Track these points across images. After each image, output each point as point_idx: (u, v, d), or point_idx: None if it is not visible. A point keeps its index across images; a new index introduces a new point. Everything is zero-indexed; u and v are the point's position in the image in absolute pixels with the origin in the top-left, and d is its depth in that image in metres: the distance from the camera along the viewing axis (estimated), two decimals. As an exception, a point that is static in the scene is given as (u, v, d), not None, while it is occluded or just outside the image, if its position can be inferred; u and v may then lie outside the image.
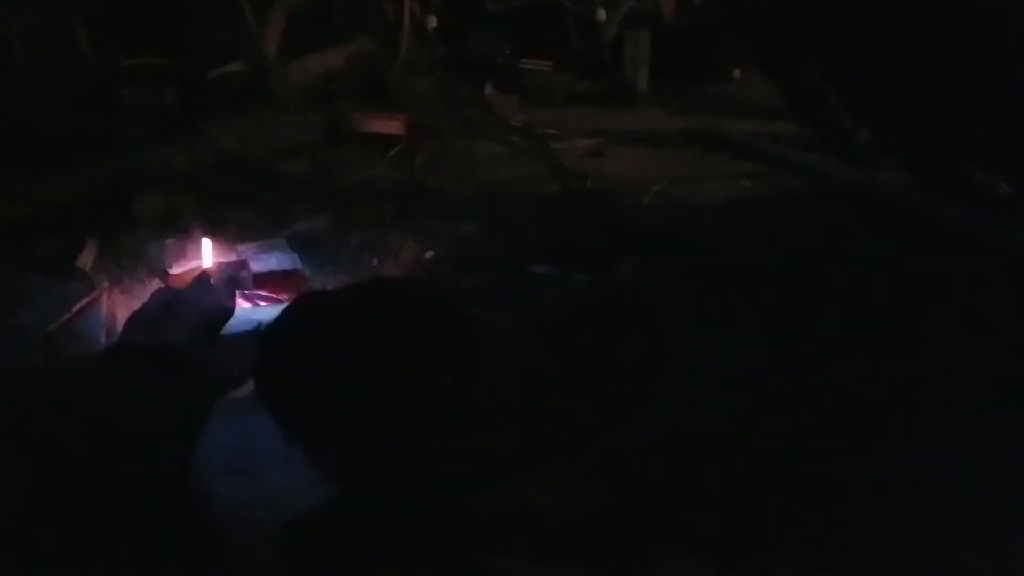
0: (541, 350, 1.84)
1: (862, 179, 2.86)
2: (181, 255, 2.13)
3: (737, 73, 3.79)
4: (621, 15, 3.74)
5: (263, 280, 2.14)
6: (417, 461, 1.29)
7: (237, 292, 1.94)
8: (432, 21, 3.47)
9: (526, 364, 1.71)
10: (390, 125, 3.08)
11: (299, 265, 2.26)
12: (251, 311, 2.02)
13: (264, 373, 1.36)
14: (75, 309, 1.93)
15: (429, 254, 2.46)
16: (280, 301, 2.12)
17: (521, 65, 3.56)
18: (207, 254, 2.11)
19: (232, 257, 2.16)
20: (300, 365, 1.31)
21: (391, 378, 1.28)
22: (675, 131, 3.33)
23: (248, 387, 1.59)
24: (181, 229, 2.28)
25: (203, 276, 1.90)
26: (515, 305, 2.17)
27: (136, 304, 1.95)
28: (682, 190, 2.84)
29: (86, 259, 2.14)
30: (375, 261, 2.40)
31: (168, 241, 2.22)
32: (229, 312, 1.81)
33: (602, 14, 3.63)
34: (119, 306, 1.99)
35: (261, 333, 1.47)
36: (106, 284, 2.05)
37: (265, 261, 2.22)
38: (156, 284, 2.04)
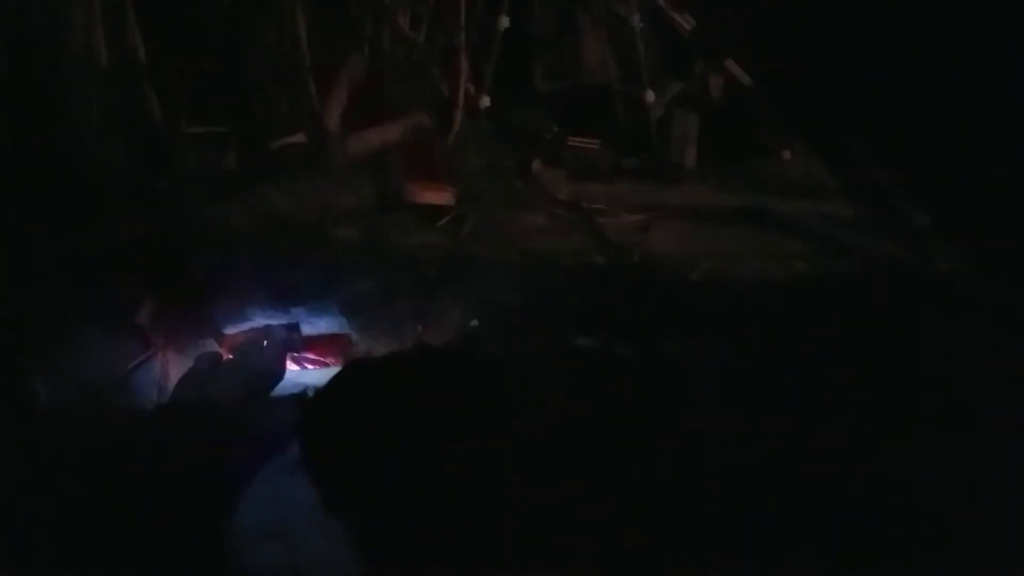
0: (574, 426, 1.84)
1: (920, 264, 2.81)
2: (235, 315, 2.18)
3: (787, 153, 3.81)
4: (670, 96, 3.82)
5: (311, 343, 2.18)
6: (446, 535, 1.29)
7: (288, 355, 1.97)
8: (485, 100, 3.60)
9: (558, 441, 1.71)
10: (440, 195, 3.17)
11: (346, 329, 2.29)
12: (298, 374, 2.05)
13: (309, 441, 1.38)
14: (130, 365, 1.98)
15: (474, 323, 2.47)
16: (327, 364, 2.15)
17: (569, 142, 3.65)
18: (260, 316, 2.16)
19: (283, 319, 2.20)
20: (344, 435, 1.32)
21: (430, 450, 1.29)
22: (723, 208, 3.35)
23: (291, 451, 1.60)
24: (236, 289, 2.34)
25: (256, 337, 1.95)
26: (556, 378, 2.17)
27: (189, 361, 2.00)
28: (731, 268, 2.83)
29: (144, 316, 2.20)
30: (420, 327, 2.42)
31: (223, 301, 2.28)
32: (280, 375, 1.84)
33: (651, 95, 3.72)
34: (172, 363, 2.03)
35: (308, 401, 1.49)
36: (161, 341, 2.10)
37: (314, 324, 2.26)
38: (210, 343, 2.08)
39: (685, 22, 3.85)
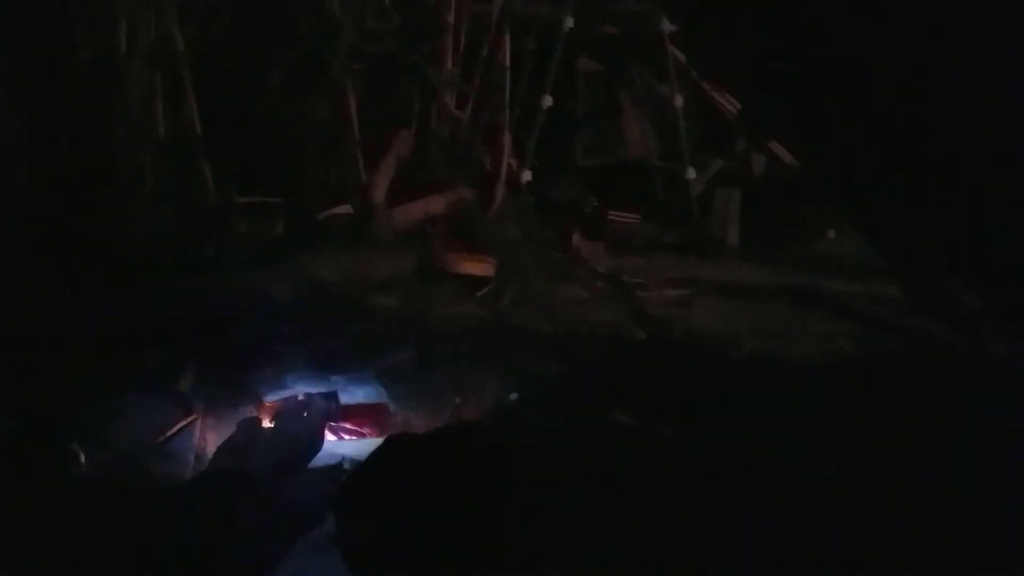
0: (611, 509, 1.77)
1: (972, 348, 2.71)
2: (275, 382, 2.19)
3: (831, 233, 3.77)
4: (711, 172, 3.85)
5: (349, 412, 2.16)
6: None
7: (327, 425, 1.95)
8: (526, 174, 3.67)
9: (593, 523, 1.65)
10: (480, 266, 3.19)
11: (384, 398, 2.27)
12: (335, 444, 2.03)
13: (344, 519, 1.34)
14: (170, 432, 1.98)
15: (514, 396, 2.44)
16: (364, 435, 2.13)
17: (608, 216, 3.67)
18: (299, 384, 2.16)
19: (322, 387, 2.20)
20: (380, 514, 1.29)
21: (465, 530, 1.25)
22: (766, 286, 3.30)
23: (327, 525, 1.56)
24: (276, 357, 2.36)
25: (296, 407, 1.94)
26: (594, 455, 2.11)
27: (227, 428, 1.99)
28: (775, 347, 2.76)
29: (186, 382, 2.21)
30: (457, 399, 2.39)
31: (265, 368, 2.29)
32: (319, 446, 1.82)
33: (692, 172, 3.75)
34: (211, 430, 2.03)
35: (346, 478, 1.46)
36: (201, 407, 2.10)
37: (352, 392, 2.25)
38: (250, 410, 2.08)
39: (727, 103, 3.90)
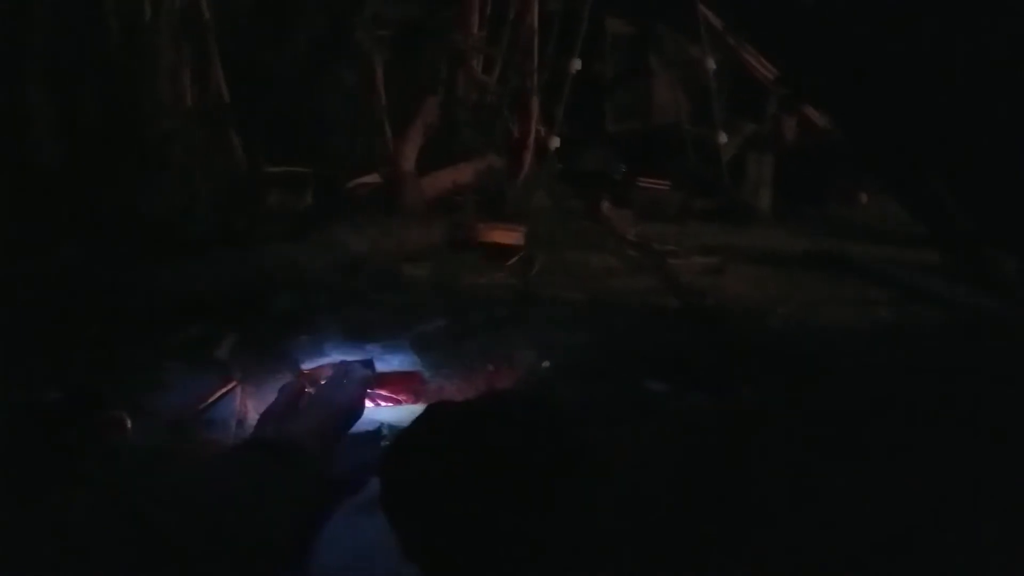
0: (655, 479, 1.77)
1: (1011, 314, 2.66)
2: (312, 351, 2.21)
3: (864, 197, 3.70)
4: (742, 137, 3.78)
5: (384, 380, 2.18)
6: None
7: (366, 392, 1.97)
8: (555, 141, 3.62)
9: (637, 493, 1.65)
10: (509, 235, 3.17)
11: (418, 366, 2.29)
12: (373, 410, 2.05)
13: (389, 484, 1.36)
14: (210, 399, 2.02)
15: (546, 364, 2.44)
16: (399, 402, 2.14)
17: (638, 183, 3.62)
18: (336, 352, 2.17)
19: (358, 356, 2.22)
20: (424, 480, 1.30)
21: (509, 498, 1.26)
22: (799, 252, 3.25)
23: (368, 489, 1.58)
24: (313, 326, 2.38)
25: (337, 374, 1.95)
26: (630, 425, 2.11)
27: (267, 395, 2.02)
28: (809, 313, 2.73)
29: (224, 350, 2.24)
30: (490, 367, 2.40)
31: (301, 337, 2.31)
32: (359, 413, 1.84)
33: (723, 137, 3.68)
34: (251, 397, 2.06)
35: (389, 444, 1.47)
36: (240, 375, 2.13)
37: (387, 361, 2.27)
38: (287, 378, 2.10)
39: (760, 64, 3.81)
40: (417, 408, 2.08)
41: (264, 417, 1.71)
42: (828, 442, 2.02)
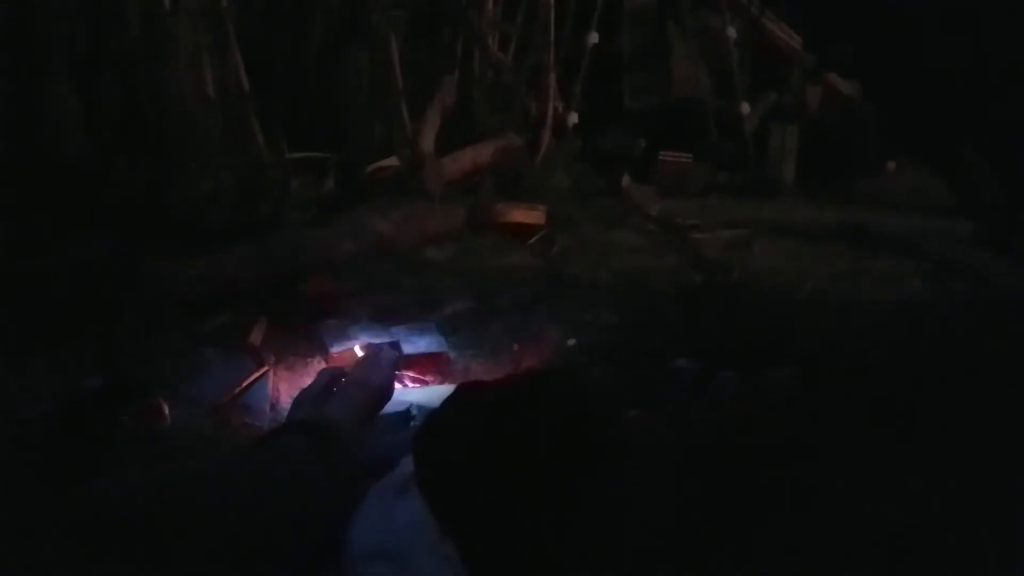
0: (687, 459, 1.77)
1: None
2: (341, 335, 2.23)
3: (892, 166, 3.63)
4: (764, 108, 3.72)
5: (411, 361, 2.21)
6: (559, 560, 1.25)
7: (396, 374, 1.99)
8: (573, 118, 3.59)
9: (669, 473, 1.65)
10: (530, 215, 3.17)
11: (445, 347, 2.31)
12: (401, 392, 2.08)
13: (423, 461, 1.37)
14: (244, 384, 2.05)
15: (571, 342, 2.45)
16: (427, 383, 2.17)
17: (660, 157, 3.58)
18: (363, 335, 2.20)
19: (386, 339, 2.24)
20: (458, 458, 1.31)
21: (542, 478, 1.27)
22: (826, 224, 3.20)
23: (399, 470, 1.60)
24: (340, 310, 2.40)
25: (370, 356, 1.98)
26: (660, 403, 2.11)
27: (298, 379, 2.06)
28: (839, 287, 2.70)
29: (256, 336, 2.28)
30: (515, 346, 2.42)
31: (329, 321, 2.34)
32: (390, 394, 1.86)
33: (746, 107, 3.62)
34: (283, 381, 2.09)
35: (424, 422, 1.49)
36: (272, 360, 2.17)
37: (414, 343, 2.29)
38: (318, 362, 2.14)
39: (783, 33, 3.74)
40: (445, 388, 2.12)
41: (300, 399, 1.73)
42: (859, 419, 2.01)
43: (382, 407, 1.84)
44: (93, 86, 3.05)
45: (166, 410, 1.76)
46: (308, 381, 2.00)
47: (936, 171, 2.94)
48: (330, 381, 1.79)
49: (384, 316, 2.44)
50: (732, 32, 3.61)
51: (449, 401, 1.40)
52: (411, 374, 2.19)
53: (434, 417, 1.39)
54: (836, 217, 3.25)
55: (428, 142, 3.27)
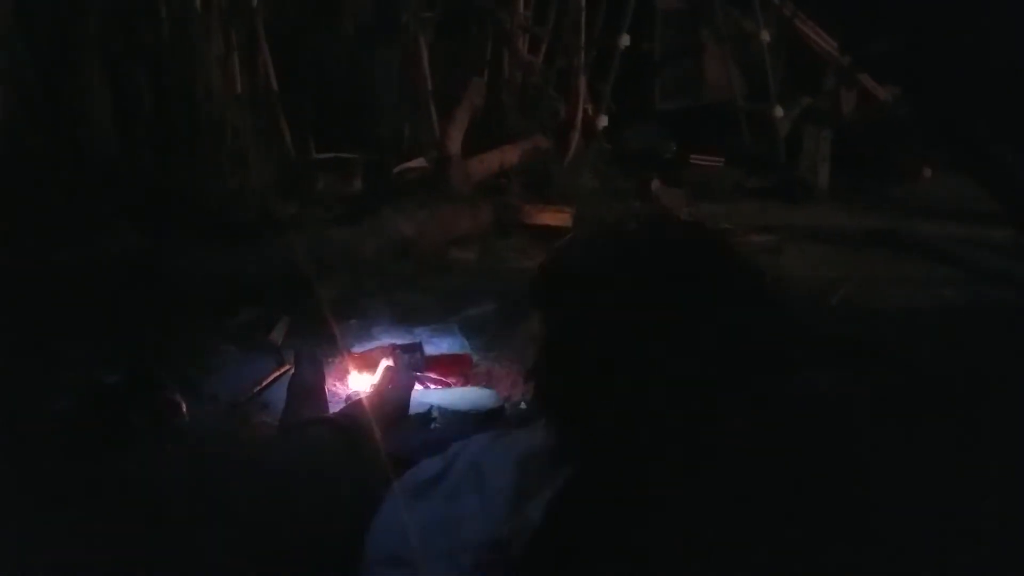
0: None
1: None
2: (363, 335, 2.22)
3: (928, 172, 3.54)
4: (798, 111, 3.65)
5: (434, 363, 2.18)
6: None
7: (413, 375, 1.97)
8: (603, 121, 3.55)
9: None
10: (557, 217, 3.13)
11: (467, 349, 2.28)
12: (422, 393, 2.05)
13: (547, 277, 1.23)
14: (264, 382, 2.04)
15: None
16: (449, 384, 2.14)
17: (691, 160, 3.53)
18: (385, 335, 2.18)
19: (407, 340, 2.22)
20: (581, 296, 1.14)
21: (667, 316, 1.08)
22: (859, 230, 3.12)
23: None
24: (363, 310, 2.39)
25: (395, 361, 1.97)
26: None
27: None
28: (872, 294, 2.62)
29: (278, 334, 2.27)
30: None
31: (351, 321, 2.33)
32: (408, 401, 1.84)
33: (779, 111, 3.55)
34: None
35: (552, 253, 1.33)
36: (293, 358, 2.15)
37: (436, 344, 2.26)
38: (339, 361, 2.12)
39: (817, 36, 3.66)
40: (467, 390, 2.09)
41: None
42: (895, 425, 1.94)
43: (406, 408, 1.82)
44: (125, 83, 3.09)
45: (184, 406, 1.75)
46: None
47: (974, 176, 2.84)
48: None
49: (407, 317, 2.42)
50: (766, 35, 3.54)
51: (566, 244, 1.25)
52: (433, 375, 2.16)
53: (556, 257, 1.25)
54: (870, 223, 3.17)
55: (455, 143, 3.26)
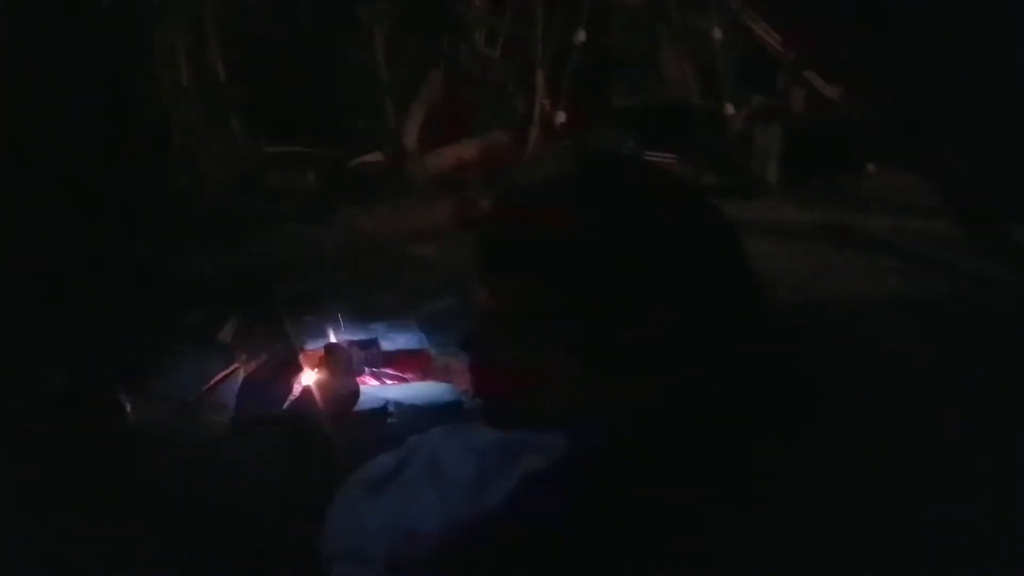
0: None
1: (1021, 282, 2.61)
2: (317, 333, 2.18)
3: (872, 168, 3.65)
4: (750, 109, 3.71)
5: (391, 358, 2.15)
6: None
7: (365, 371, 1.95)
8: (561, 116, 3.56)
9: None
10: (515, 213, 3.12)
11: (425, 344, 2.26)
12: (378, 389, 2.02)
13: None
14: (213, 381, 2.00)
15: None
16: (406, 380, 2.12)
17: (646, 157, 3.56)
18: (340, 332, 2.15)
19: (364, 336, 2.19)
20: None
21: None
22: (808, 223, 3.20)
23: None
24: (318, 307, 2.35)
25: (343, 356, 1.94)
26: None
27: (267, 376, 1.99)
28: (818, 284, 2.68)
29: (228, 333, 2.22)
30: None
31: (306, 318, 2.28)
32: (357, 393, 1.81)
33: (730, 108, 3.61)
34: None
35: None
36: (244, 357, 2.11)
37: (394, 340, 2.24)
38: (292, 359, 2.08)
39: (768, 35, 3.73)
40: (424, 385, 2.07)
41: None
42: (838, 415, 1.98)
43: (351, 406, 1.79)
44: (71, 79, 2.99)
45: (127, 407, 1.70)
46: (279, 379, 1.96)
47: (915, 170, 2.93)
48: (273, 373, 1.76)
49: (364, 313, 2.38)
50: (718, 33, 3.60)
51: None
52: (390, 371, 2.14)
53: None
54: (818, 216, 3.25)
55: (412, 137, 3.23)
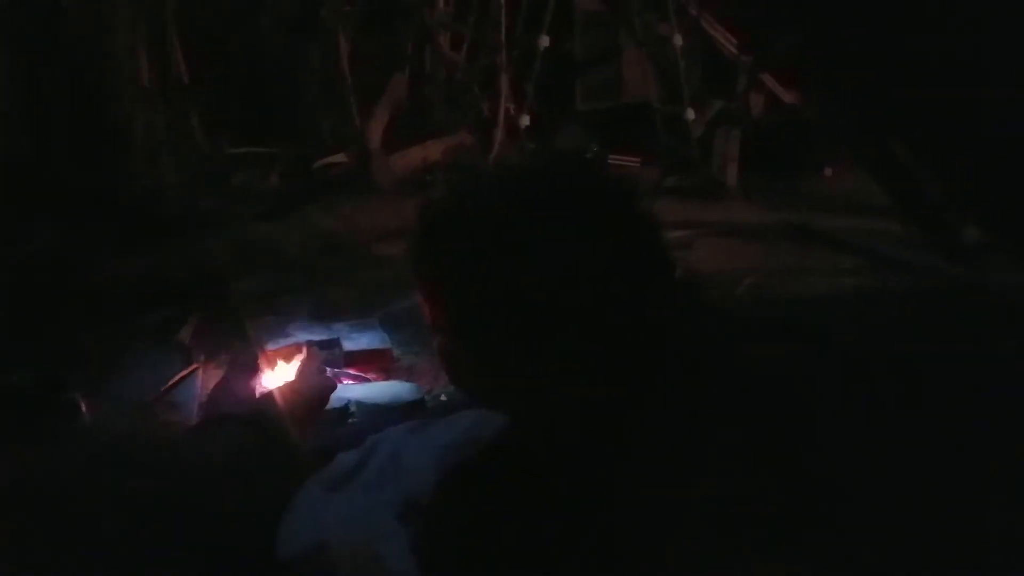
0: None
1: (973, 279, 2.71)
2: (279, 333, 2.18)
3: (828, 171, 3.75)
4: (710, 114, 3.78)
5: (353, 358, 2.16)
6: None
7: (327, 370, 1.95)
8: (525, 119, 3.60)
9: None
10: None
11: (388, 344, 2.27)
12: (341, 388, 2.03)
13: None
14: (172, 381, 1.99)
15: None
16: (368, 379, 2.13)
17: (609, 160, 3.61)
18: (301, 334, 2.15)
19: (325, 336, 2.19)
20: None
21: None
22: (767, 225, 3.28)
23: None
24: (280, 306, 2.34)
25: (312, 356, 1.94)
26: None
27: (230, 376, 1.99)
28: (778, 283, 2.75)
29: (187, 333, 2.21)
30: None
31: (268, 318, 2.28)
32: (328, 393, 1.82)
33: (691, 113, 3.68)
34: (213, 379, 2.03)
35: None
36: (203, 358, 2.11)
37: (356, 340, 2.24)
38: (252, 359, 2.07)
39: (728, 40, 3.81)
40: (386, 384, 2.07)
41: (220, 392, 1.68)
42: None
43: (322, 406, 1.79)
44: (33, 76, 2.94)
45: (83, 406, 1.69)
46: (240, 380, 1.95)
47: (870, 172, 3.02)
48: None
49: (327, 313, 2.39)
50: (678, 39, 3.67)
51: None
52: (352, 371, 2.14)
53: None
54: (778, 218, 3.33)
55: (376, 138, 3.24)
